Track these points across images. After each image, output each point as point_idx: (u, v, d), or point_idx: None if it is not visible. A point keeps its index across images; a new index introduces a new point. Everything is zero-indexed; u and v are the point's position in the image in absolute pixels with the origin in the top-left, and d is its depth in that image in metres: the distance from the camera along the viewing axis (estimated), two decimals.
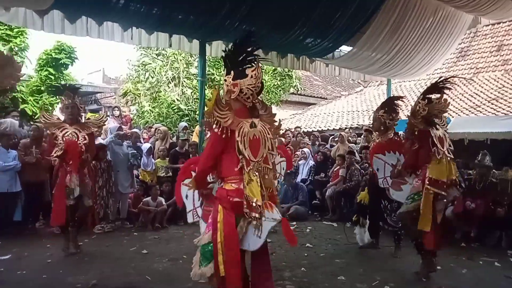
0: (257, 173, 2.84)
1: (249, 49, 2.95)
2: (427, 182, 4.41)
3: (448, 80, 4.60)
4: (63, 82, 12.25)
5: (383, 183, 5.35)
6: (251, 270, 3.02)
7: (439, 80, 4.63)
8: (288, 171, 7.57)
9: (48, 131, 5.52)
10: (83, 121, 5.59)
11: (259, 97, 3.02)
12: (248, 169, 2.81)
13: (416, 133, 4.64)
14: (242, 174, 2.82)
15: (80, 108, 5.45)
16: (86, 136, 5.20)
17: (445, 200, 4.45)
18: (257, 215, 2.77)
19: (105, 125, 6.12)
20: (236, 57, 2.94)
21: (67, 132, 5.14)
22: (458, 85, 13.76)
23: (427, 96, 4.57)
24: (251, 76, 2.87)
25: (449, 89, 4.63)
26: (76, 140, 5.11)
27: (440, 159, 4.39)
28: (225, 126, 2.83)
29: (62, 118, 5.47)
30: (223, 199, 2.85)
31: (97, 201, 6.22)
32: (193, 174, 3.22)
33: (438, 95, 4.55)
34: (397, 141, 5.43)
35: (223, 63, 3.15)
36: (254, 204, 2.75)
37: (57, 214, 5.15)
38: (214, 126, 2.86)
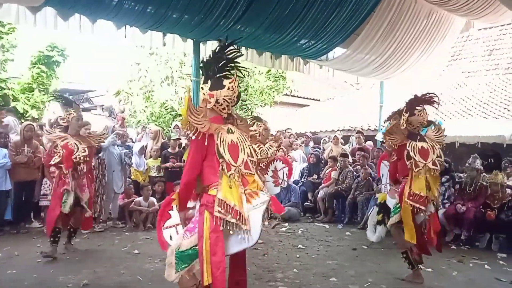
0: (239, 178, 2.81)
1: (227, 58, 2.88)
2: (406, 196, 4.35)
3: (432, 94, 4.55)
4: (54, 80, 12.17)
5: (384, 189, 5.40)
6: (228, 275, 2.95)
7: (423, 94, 4.56)
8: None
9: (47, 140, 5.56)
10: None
11: (247, 101, 2.97)
12: (229, 173, 2.77)
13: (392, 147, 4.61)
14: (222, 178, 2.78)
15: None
16: (85, 149, 5.25)
17: (422, 214, 4.39)
18: (233, 221, 2.72)
19: (104, 142, 6.14)
20: (214, 66, 2.88)
21: (68, 142, 5.18)
22: (449, 89, 13.86)
23: (410, 108, 4.51)
24: (228, 88, 2.84)
25: (435, 102, 4.54)
26: (76, 150, 5.15)
27: (418, 171, 4.31)
28: (203, 132, 2.78)
29: (52, 118, 5.50)
30: (209, 204, 2.78)
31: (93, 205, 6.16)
32: (173, 209, 3.06)
33: (420, 107, 4.50)
34: None
35: (201, 72, 3.03)
36: (227, 208, 2.71)
37: (50, 222, 5.18)
38: (191, 132, 2.80)
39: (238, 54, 2.95)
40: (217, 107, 2.88)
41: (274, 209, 2.92)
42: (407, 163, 4.36)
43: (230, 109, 2.96)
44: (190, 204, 3.06)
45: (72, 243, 5.65)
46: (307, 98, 20.73)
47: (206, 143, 2.80)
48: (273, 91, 15.90)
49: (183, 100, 2.94)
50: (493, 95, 12.66)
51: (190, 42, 7.42)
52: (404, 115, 4.50)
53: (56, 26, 5.99)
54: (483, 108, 11.94)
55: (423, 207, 4.31)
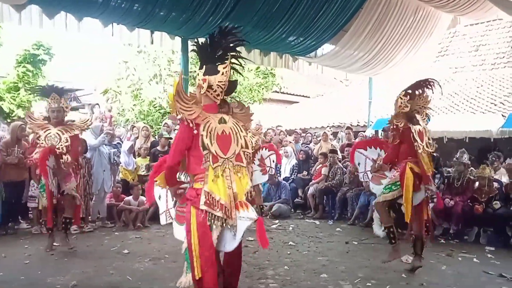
0: (227, 171, 2.75)
1: (224, 45, 2.84)
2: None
3: (432, 79, 4.69)
4: (41, 79, 12.02)
5: (364, 177, 5.47)
6: (223, 269, 2.94)
7: (422, 79, 4.72)
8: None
9: (31, 131, 5.45)
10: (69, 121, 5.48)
11: (236, 98, 2.95)
12: (215, 166, 2.72)
13: (397, 129, 4.71)
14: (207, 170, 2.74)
15: (66, 110, 5.35)
16: (68, 138, 5.11)
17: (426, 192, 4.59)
18: (219, 214, 2.68)
19: (89, 128, 6.03)
20: (209, 52, 2.84)
21: (50, 133, 5.07)
22: (437, 84, 13.95)
23: (410, 92, 4.65)
24: (222, 73, 2.79)
25: (433, 87, 4.69)
26: (58, 141, 5.03)
27: (420, 154, 4.49)
28: (189, 119, 2.74)
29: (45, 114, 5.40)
30: (193, 199, 2.76)
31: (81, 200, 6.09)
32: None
33: (420, 91, 4.64)
34: (377, 139, 5.77)
35: (196, 55, 2.99)
36: (213, 201, 2.68)
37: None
38: (178, 118, 2.78)
39: (239, 42, 2.90)
40: (211, 93, 2.83)
41: (259, 240, 2.82)
42: (415, 145, 4.48)
43: (223, 94, 2.89)
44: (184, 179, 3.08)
45: (57, 243, 5.53)
46: (297, 95, 20.75)
47: (192, 131, 2.76)
48: (262, 88, 15.93)
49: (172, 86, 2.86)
50: (480, 90, 12.80)
51: (178, 39, 7.38)
52: (403, 99, 4.63)
53: (42, 24, 5.92)
54: (470, 103, 12.06)
55: (430, 186, 4.55)
